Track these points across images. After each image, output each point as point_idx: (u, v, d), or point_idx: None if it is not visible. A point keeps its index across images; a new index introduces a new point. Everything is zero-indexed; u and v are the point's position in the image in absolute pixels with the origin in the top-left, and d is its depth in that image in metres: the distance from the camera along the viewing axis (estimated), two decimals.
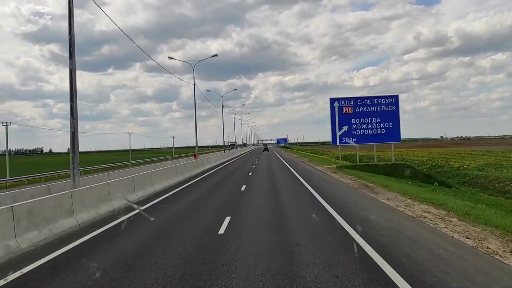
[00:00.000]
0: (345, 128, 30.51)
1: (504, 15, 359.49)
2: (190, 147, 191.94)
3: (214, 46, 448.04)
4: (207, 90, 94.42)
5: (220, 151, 74.13)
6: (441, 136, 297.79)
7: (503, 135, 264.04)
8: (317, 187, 16.46)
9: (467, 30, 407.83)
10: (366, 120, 30.46)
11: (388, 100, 30.54)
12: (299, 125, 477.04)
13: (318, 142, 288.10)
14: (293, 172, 25.16)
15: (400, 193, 14.58)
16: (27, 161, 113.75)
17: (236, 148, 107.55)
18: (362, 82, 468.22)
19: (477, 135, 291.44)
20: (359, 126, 30.49)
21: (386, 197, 13.58)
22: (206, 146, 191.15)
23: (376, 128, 30.39)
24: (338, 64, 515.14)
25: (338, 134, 30.51)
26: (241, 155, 69.17)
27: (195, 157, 29.49)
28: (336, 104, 30.68)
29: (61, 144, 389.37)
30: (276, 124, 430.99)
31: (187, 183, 19.63)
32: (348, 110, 30.59)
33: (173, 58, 34.71)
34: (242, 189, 16.42)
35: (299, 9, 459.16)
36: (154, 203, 13.22)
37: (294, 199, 13.44)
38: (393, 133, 30.39)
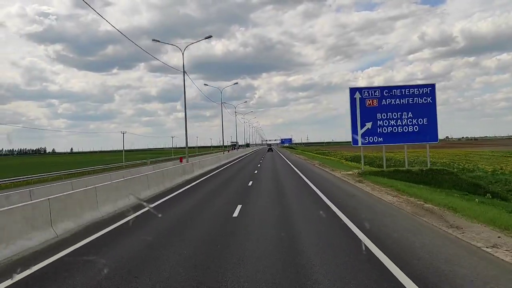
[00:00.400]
0: (368, 125, 24.58)
1: (510, 14, 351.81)
2: (192, 147, 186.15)
3: (218, 46, 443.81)
4: (205, 84, 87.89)
5: (221, 152, 68.30)
6: (447, 137, 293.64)
7: (510, 135, 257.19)
8: (351, 210, 10.56)
9: (473, 30, 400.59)
10: (394, 115, 24.52)
11: (422, 90, 24.59)
12: (303, 125, 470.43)
13: (322, 142, 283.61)
14: (305, 180, 19.33)
15: (496, 225, 8.73)
16: (15, 162, 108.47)
17: (238, 148, 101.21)
18: (366, 82, 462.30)
19: (482, 136, 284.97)
20: (386, 123, 24.55)
21: (481, 237, 7.72)
22: (209, 147, 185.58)
23: (407, 125, 24.45)
24: (343, 64, 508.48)
25: (360, 132, 24.58)
26: (242, 156, 63.28)
27: (180, 161, 23.60)
28: (357, 95, 24.75)
29: (65, 144, 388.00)
30: (280, 124, 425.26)
31: (154, 202, 13.80)
32: (373, 102, 24.66)
33: (158, 41, 29.15)
34: (235, 213, 10.63)
35: (304, 9, 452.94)
36: (70, 253, 7.38)
37: (317, 231, 7.60)
38: (429, 131, 24.43)
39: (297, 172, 25.82)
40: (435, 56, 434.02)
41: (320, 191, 14.94)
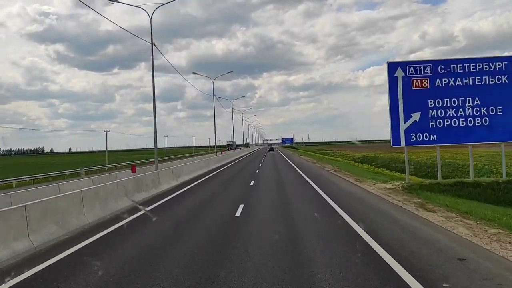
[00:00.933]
0: (415, 116, 16.84)
1: (511, 14, 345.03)
2: (188, 147, 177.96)
3: (219, 45, 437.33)
4: (193, 73, 79.15)
5: (213, 153, 59.94)
6: None
7: None
8: None
9: (474, 29, 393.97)
10: (454, 102, 16.79)
11: (495, 66, 16.81)
12: (304, 125, 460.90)
13: (324, 142, 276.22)
14: (329, 203, 11.55)
15: None
16: (8, 162, 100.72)
17: (235, 149, 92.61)
18: (367, 82, 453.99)
19: None
20: (441, 113, 16.80)
21: None
22: (207, 146, 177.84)
23: (473, 117, 16.71)
24: (343, 63, 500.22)
25: (403, 127, 16.83)
26: (238, 159, 55.39)
27: (133, 171, 15.81)
28: (399, 73, 16.99)
29: (66, 144, 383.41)
30: (280, 124, 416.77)
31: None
32: (422, 83, 16.90)
33: (117, 1, 21.27)
34: None
35: (304, 9, 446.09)
36: None
37: None
38: (505, 125, 16.68)
39: (311, 185, 18.04)
40: (436, 56, 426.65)
41: (373, 238, 7.15)
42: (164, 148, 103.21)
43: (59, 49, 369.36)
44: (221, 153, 49.69)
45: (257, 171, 27.15)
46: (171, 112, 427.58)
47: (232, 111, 69.67)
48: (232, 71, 49.46)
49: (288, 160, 44.61)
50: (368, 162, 54.29)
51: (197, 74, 47.91)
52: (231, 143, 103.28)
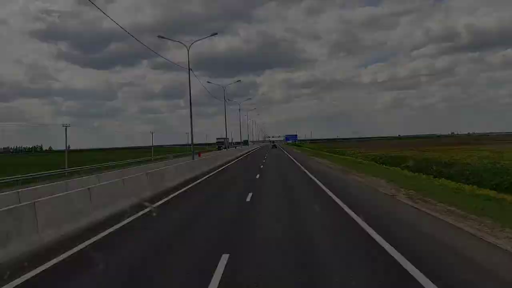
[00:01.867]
0: None
1: None
2: (184, 145, 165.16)
3: (221, 43, 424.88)
4: (159, 36, 65.31)
5: (209, 151, 46.43)
6: (452, 132, 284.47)
7: None
8: None
9: (477, 25, 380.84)
10: None
11: None
12: (307, 122, 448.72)
13: (328, 139, 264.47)
14: None
15: None
16: None
17: (228, 147, 78.08)
18: (370, 79, 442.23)
19: (488, 132, 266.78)
20: None
21: None
22: (205, 144, 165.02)
23: None
24: (346, 60, 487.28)
25: None
26: (229, 162, 41.83)
27: None
28: None
29: (68, 142, 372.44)
30: (283, 121, 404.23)
31: None
32: None
33: None
34: None
35: (307, 5, 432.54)
36: None
37: None
38: None
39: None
40: (439, 52, 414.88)
41: None
42: (151, 146, 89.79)
43: (61, 46, 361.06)
44: (199, 155, 36.42)
45: (249, 197, 13.69)
46: (173, 109, 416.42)
47: (225, 100, 56.73)
48: (216, 33, 36.25)
49: (301, 166, 30.92)
50: (395, 164, 41.55)
51: (164, 38, 34.74)
52: (222, 140, 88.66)
